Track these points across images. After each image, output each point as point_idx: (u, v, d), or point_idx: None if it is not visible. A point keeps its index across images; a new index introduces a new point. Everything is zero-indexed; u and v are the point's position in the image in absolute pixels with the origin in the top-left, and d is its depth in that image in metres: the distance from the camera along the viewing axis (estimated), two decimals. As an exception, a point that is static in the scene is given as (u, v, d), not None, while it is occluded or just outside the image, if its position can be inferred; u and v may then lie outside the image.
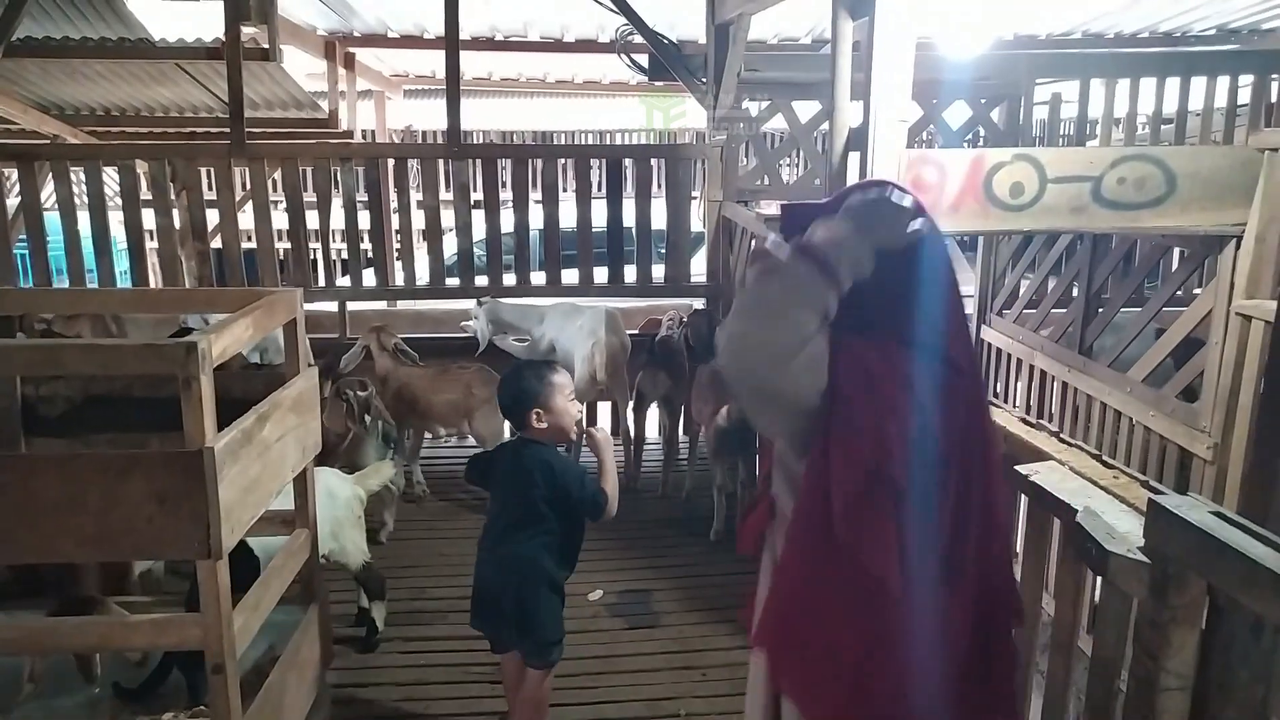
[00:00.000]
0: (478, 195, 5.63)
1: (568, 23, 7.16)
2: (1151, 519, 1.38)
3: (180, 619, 2.18)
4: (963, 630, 1.37)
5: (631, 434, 4.87)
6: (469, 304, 5.42)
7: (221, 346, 2.09)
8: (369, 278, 5.97)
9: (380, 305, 6.33)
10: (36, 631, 2.20)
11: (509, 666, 2.62)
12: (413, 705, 3.00)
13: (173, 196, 5.50)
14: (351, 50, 7.38)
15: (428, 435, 4.79)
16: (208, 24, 6.07)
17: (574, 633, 3.36)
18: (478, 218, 5.58)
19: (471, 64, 8.24)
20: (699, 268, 5.95)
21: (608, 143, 13.19)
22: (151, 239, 5.74)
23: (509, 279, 5.62)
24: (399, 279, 5.61)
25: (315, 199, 5.46)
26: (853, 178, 3.00)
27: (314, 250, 6.81)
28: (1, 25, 5.17)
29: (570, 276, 5.59)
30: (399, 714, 2.98)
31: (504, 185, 5.61)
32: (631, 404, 4.79)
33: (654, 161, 6.01)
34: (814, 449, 1.37)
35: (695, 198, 5.97)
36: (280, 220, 5.71)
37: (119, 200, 5.41)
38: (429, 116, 10.73)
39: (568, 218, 5.60)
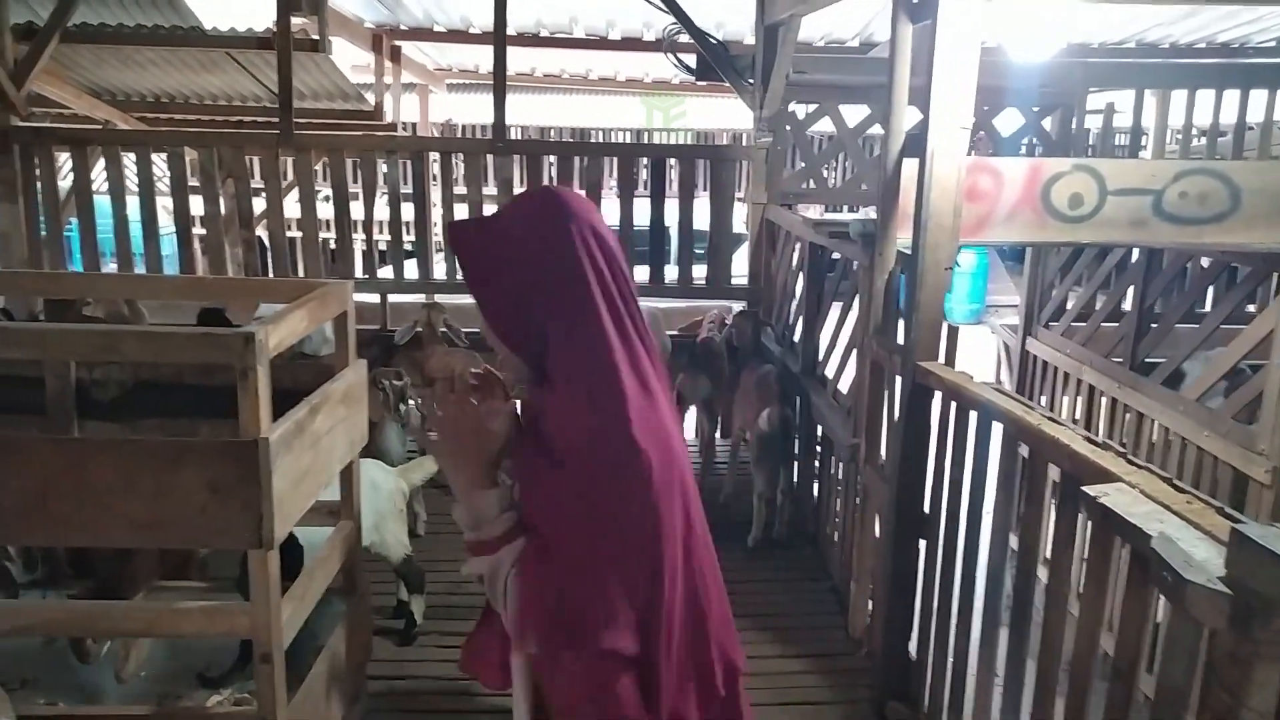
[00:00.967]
0: (520, 191, 5.60)
1: (614, 19, 7.15)
2: (1235, 549, 1.33)
3: (229, 608, 2.19)
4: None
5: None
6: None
7: (278, 337, 2.09)
8: (410, 270, 5.99)
9: (420, 298, 6.36)
10: (88, 614, 2.23)
11: None
12: (450, 699, 3.01)
13: (220, 184, 5.55)
14: (398, 44, 7.42)
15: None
16: (257, 14, 6.13)
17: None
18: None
19: (515, 59, 8.26)
20: (738, 269, 5.91)
21: (650, 141, 13.13)
22: (198, 225, 5.79)
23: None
24: (440, 272, 5.62)
25: (360, 190, 5.49)
26: (909, 183, 2.96)
27: (357, 241, 6.86)
28: (58, 12, 5.25)
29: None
30: (436, 707, 2.98)
31: (549, 182, 5.59)
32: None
33: (699, 162, 5.96)
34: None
35: (739, 199, 5.93)
36: (324, 211, 5.75)
37: (166, 186, 5.47)
38: (470, 110, 10.78)
39: (610, 215, 5.58)
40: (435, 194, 6.23)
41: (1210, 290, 5.06)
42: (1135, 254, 4.51)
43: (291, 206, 5.65)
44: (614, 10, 6.89)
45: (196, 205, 5.46)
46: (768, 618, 3.54)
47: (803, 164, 5.54)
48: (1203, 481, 3.64)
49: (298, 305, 2.28)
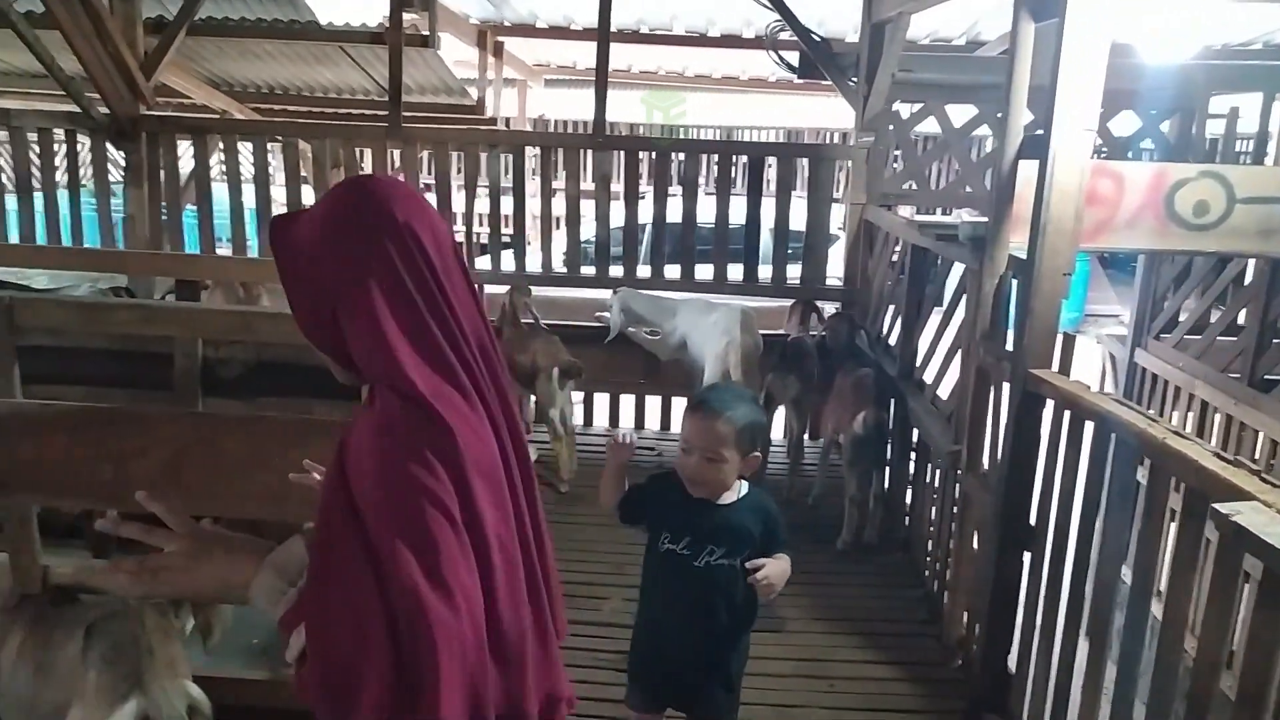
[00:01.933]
0: (617, 186, 5.66)
1: (714, 16, 7.14)
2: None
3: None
4: None
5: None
6: (600, 294, 5.49)
7: (400, 323, 2.17)
8: (506, 261, 6.10)
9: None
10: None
11: None
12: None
13: (329, 174, 5.74)
14: (501, 39, 7.55)
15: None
16: (369, 9, 6.33)
17: (698, 629, 3.37)
18: (615, 208, 5.64)
19: (614, 56, 8.31)
20: (830, 270, 5.85)
21: (748, 139, 13.06)
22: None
23: (643, 271, 5.65)
24: (535, 264, 5.71)
25: (462, 182, 5.63)
26: (1025, 186, 2.89)
27: (456, 233, 7.03)
28: (186, 6, 5.52)
29: (704, 272, 5.58)
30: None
31: (644, 177, 5.63)
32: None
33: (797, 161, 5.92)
34: None
35: (836, 199, 5.87)
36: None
37: (274, 174, 5.70)
38: (566, 106, 10.91)
39: (705, 212, 5.59)
40: (533, 187, 6.34)
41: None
42: (1251, 265, 4.31)
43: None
44: (715, 8, 6.88)
45: (307, 194, 5.67)
46: (857, 621, 3.51)
47: (904, 164, 5.44)
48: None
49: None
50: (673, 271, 5.62)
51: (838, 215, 6.56)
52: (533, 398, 4.71)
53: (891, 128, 5.23)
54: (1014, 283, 3.02)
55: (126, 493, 2.20)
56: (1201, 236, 3.05)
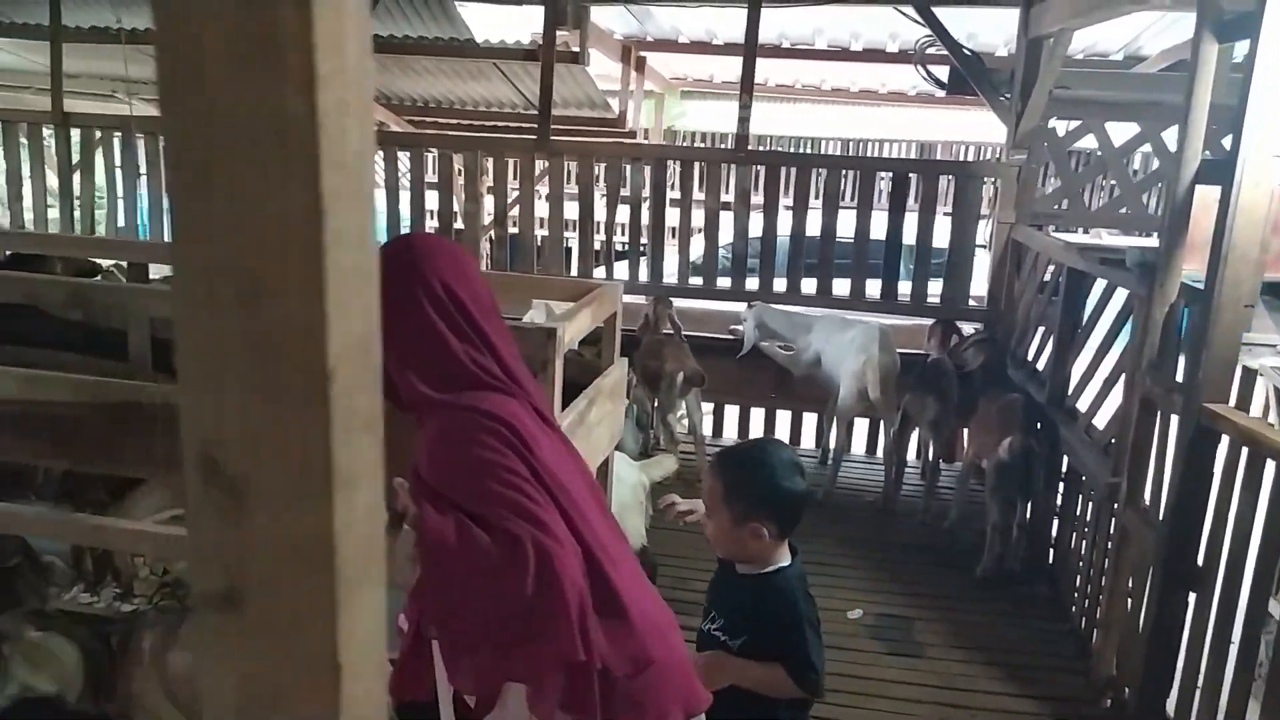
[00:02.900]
0: (757, 199, 5.69)
1: (858, 30, 7.08)
2: None
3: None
4: None
5: (894, 456, 4.76)
6: (733, 306, 5.53)
7: (571, 333, 2.27)
8: (643, 271, 6.22)
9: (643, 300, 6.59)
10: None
11: None
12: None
13: (481, 185, 6.00)
14: (643, 54, 7.70)
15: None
16: (519, 27, 6.58)
17: (832, 648, 3.35)
18: (754, 221, 5.67)
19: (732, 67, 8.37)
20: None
21: (879, 154, 12.84)
22: (457, 221, 6.28)
23: (779, 285, 5.66)
24: (671, 274, 5.80)
25: (604, 192, 5.78)
26: (1202, 212, 2.78)
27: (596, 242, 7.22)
28: (357, 25, 5.87)
29: (841, 288, 5.55)
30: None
31: (785, 191, 5.63)
32: (895, 425, 4.69)
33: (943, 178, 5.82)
34: None
35: (983, 217, 5.73)
36: (568, 212, 6.08)
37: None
38: (702, 119, 11.01)
39: (845, 228, 5.55)
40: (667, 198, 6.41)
41: None
42: None
43: (538, 207, 6.02)
44: (859, 22, 6.82)
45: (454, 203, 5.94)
46: (997, 651, 3.43)
47: (1058, 183, 5.27)
48: None
49: (583, 304, 2.46)
50: (809, 286, 5.60)
51: (981, 233, 6.38)
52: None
53: (1045, 145, 5.08)
54: (1185, 311, 2.90)
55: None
56: (1399, 268, 2.86)
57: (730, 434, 5.91)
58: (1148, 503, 2.95)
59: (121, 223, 6.52)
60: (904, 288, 5.60)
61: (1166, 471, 2.81)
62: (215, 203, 0.42)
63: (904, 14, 5.54)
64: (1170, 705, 2.72)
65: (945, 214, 5.79)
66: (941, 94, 6.34)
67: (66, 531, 2.61)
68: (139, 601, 3.12)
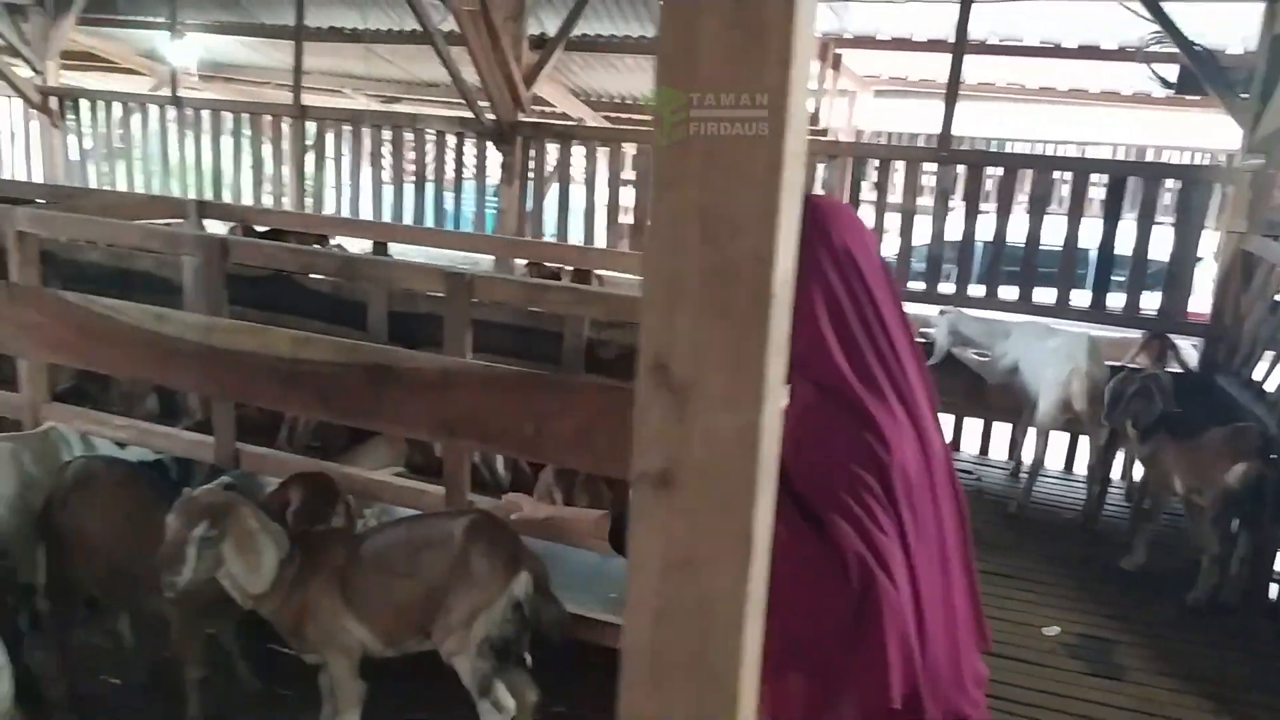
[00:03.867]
0: (955, 201, 5.54)
1: (1071, 27, 6.76)
2: None
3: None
4: None
5: (1098, 472, 4.53)
6: (925, 309, 5.41)
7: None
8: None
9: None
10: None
11: None
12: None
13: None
14: (839, 51, 7.65)
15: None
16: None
17: (1027, 663, 3.27)
18: (952, 224, 5.53)
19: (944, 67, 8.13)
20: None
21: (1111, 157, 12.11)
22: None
23: (976, 290, 5.50)
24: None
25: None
26: None
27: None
28: (566, 24, 6.17)
29: (1043, 296, 5.32)
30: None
31: (986, 194, 5.47)
32: (1102, 440, 4.46)
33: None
34: None
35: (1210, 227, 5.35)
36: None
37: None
38: (893, 118, 10.78)
39: (1053, 234, 5.32)
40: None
41: None
42: None
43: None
44: (1073, 18, 6.51)
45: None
46: (1208, 683, 3.23)
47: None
48: None
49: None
50: (1008, 293, 5.41)
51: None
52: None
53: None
54: None
55: (544, 447, 2.57)
56: None
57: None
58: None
59: (345, 206, 7.13)
60: (1114, 299, 5.31)
61: None
62: (692, 158, 0.52)
63: (1130, 9, 5.25)
64: None
65: (1159, 223, 5.44)
66: (1167, 93, 5.95)
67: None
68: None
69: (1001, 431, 5.41)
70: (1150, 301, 5.23)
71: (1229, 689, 3.22)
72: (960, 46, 5.32)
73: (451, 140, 6.74)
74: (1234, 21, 5.53)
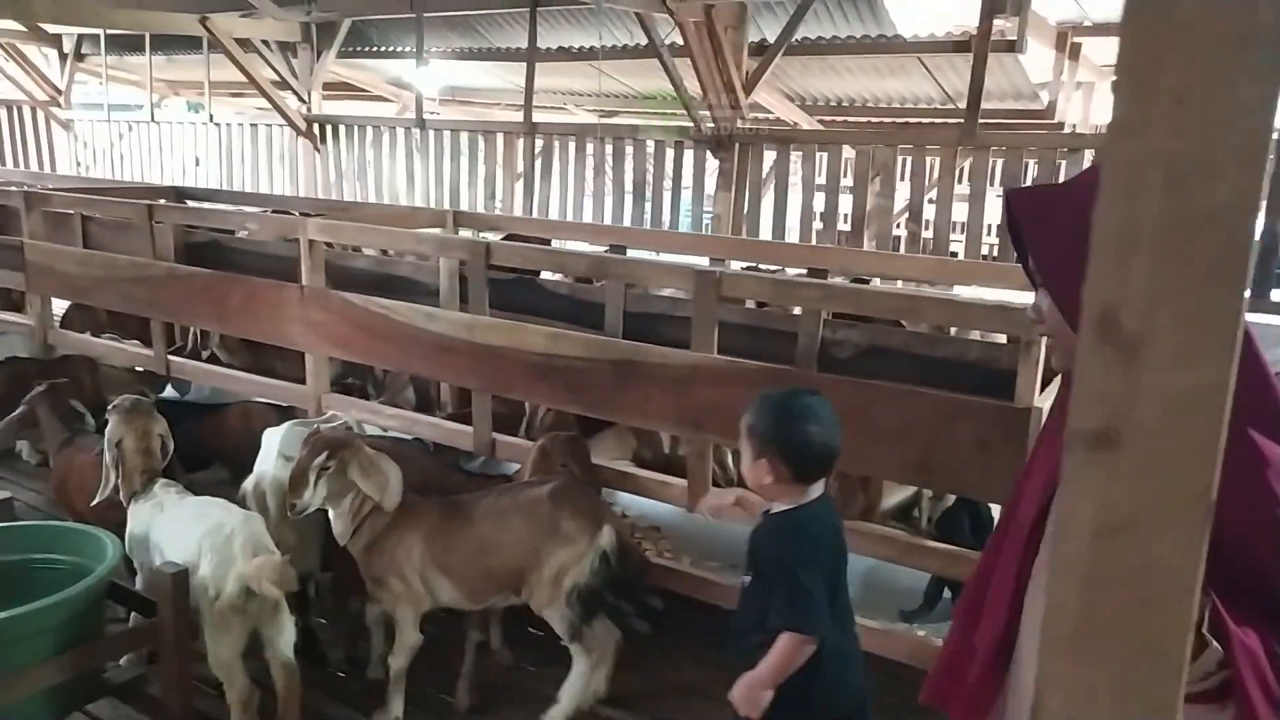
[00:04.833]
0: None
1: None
2: None
3: (966, 555, 2.41)
4: None
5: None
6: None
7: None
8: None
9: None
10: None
11: None
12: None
13: (870, 180, 5.98)
14: (1078, 40, 7.15)
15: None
16: (943, 18, 6.45)
17: None
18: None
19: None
20: None
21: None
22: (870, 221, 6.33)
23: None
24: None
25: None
26: None
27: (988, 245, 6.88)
28: (788, 28, 6.16)
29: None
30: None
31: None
32: None
33: None
34: None
35: None
36: (989, 214, 5.85)
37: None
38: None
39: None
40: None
41: None
42: None
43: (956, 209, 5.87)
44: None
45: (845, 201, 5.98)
46: None
47: None
48: None
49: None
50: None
51: None
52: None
53: None
54: None
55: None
56: None
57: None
58: None
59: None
60: None
61: None
62: (1158, 103, 0.50)
63: None
64: None
65: None
66: None
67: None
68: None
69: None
70: None
71: None
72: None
73: (668, 150, 6.88)
74: None
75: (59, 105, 10.77)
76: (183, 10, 8.16)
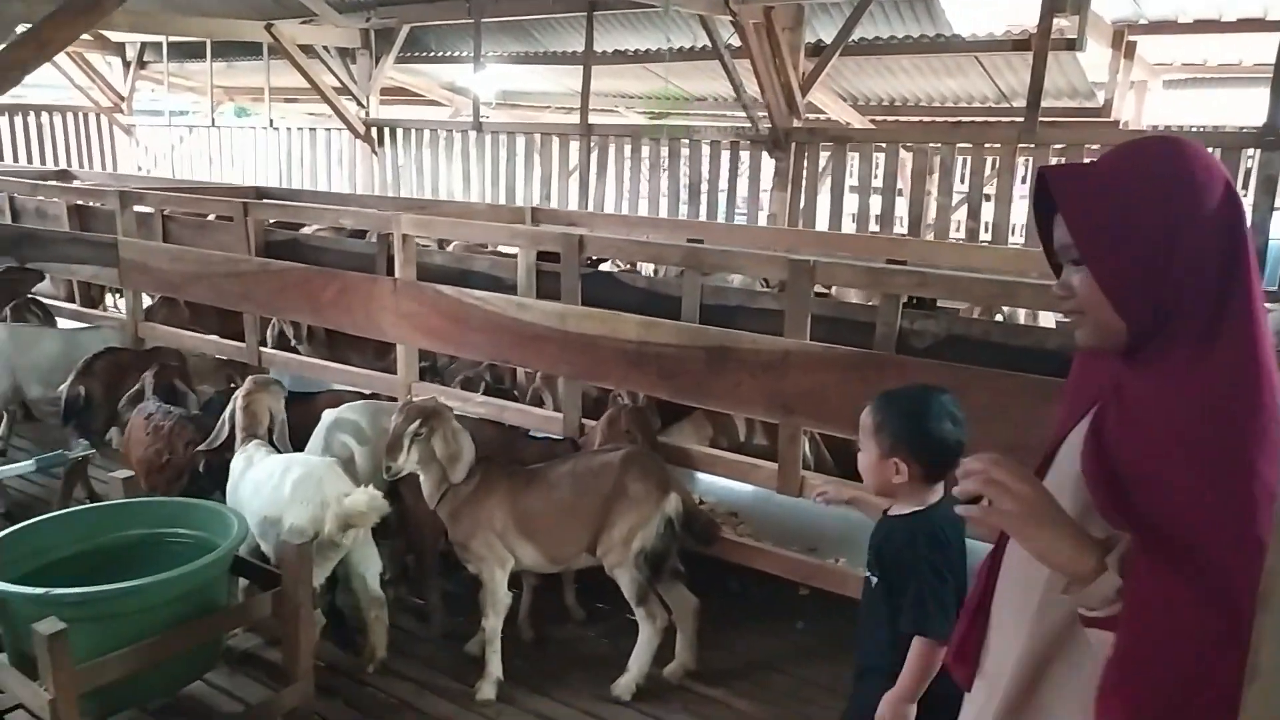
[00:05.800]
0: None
1: None
2: None
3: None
4: None
5: None
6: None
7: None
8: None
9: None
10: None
11: None
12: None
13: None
14: (1134, 39, 7.16)
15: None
16: (998, 17, 6.50)
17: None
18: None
19: (1252, 46, 7.37)
20: None
21: None
22: (928, 217, 6.39)
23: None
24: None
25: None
26: None
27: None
28: (845, 29, 6.24)
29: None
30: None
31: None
32: None
33: None
34: None
35: None
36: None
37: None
38: (1183, 109, 9.90)
39: None
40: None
41: None
42: None
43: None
44: None
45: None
46: None
47: None
48: None
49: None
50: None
51: None
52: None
53: None
54: None
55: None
56: None
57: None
58: None
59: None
60: None
61: None
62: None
63: None
64: None
65: None
66: None
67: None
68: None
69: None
70: None
71: None
72: (1292, 22, 4.85)
73: (724, 151, 6.98)
74: None
75: (121, 111, 11.12)
76: (244, 18, 8.41)
